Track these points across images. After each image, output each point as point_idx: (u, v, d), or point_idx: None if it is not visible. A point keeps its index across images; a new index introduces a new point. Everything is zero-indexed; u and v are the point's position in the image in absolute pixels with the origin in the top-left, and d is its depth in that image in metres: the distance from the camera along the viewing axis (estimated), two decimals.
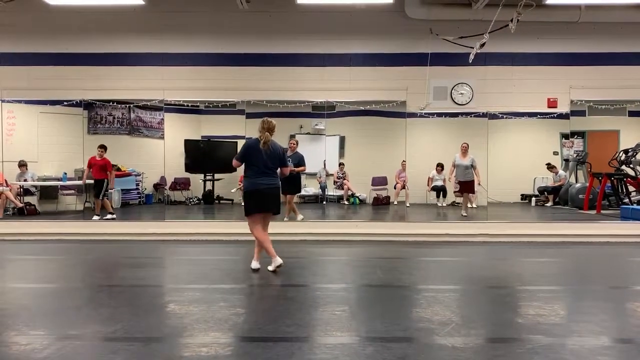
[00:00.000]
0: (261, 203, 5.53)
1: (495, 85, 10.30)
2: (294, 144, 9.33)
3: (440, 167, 12.06)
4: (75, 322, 3.85)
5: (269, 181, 5.50)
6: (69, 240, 8.06)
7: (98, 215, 9.50)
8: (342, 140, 13.23)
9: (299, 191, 9.68)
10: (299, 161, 9.10)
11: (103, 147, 9.65)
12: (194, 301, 4.38)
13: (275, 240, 7.85)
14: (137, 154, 12.64)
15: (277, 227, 8.64)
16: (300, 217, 9.28)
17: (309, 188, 12.95)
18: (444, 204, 12.16)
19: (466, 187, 10.10)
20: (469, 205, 10.74)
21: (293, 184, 9.11)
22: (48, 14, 10.00)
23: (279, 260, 5.53)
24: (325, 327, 3.71)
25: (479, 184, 10.63)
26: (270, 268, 5.56)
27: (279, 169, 5.65)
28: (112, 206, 9.93)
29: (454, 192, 10.35)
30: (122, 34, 10.29)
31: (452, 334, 3.51)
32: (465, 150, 9.92)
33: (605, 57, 10.35)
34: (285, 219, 9.08)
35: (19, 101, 10.66)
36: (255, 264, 5.68)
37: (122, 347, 3.29)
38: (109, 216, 9.45)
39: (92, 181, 9.66)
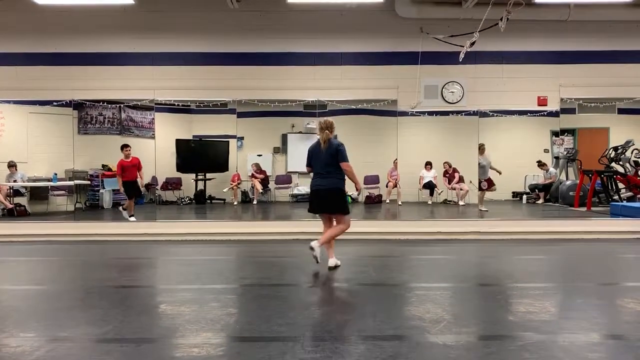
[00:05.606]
0: (313, 203, 5.72)
1: (486, 83, 10.34)
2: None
3: (429, 165, 12.11)
4: (66, 324, 3.82)
5: (321, 182, 5.60)
6: (59, 242, 7.99)
7: (132, 216, 9.29)
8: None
9: None
10: None
11: (129, 146, 9.37)
12: (186, 302, 4.36)
13: (267, 240, 7.83)
14: None
15: (268, 227, 8.66)
16: None
17: (301, 187, 12.94)
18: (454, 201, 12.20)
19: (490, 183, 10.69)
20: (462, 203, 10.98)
21: None
22: (36, 14, 9.92)
23: (331, 262, 5.62)
24: (318, 326, 3.71)
25: (470, 181, 10.70)
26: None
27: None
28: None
29: (483, 189, 10.56)
30: (111, 34, 10.23)
31: (443, 332, 3.52)
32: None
33: (595, 55, 10.41)
34: None
35: (8, 101, 10.57)
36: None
37: (113, 348, 3.27)
38: (132, 218, 9.25)
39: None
